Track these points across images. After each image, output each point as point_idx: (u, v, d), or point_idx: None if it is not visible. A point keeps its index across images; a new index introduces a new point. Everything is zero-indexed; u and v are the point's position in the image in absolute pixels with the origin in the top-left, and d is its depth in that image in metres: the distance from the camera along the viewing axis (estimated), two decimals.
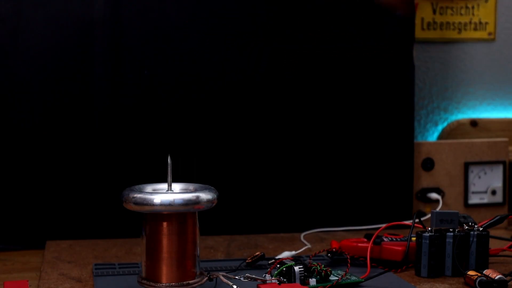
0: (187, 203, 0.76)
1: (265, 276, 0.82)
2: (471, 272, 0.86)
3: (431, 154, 1.23)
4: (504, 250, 0.98)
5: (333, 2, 1.15)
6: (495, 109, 1.35)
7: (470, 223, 0.94)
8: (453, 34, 1.32)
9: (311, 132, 1.16)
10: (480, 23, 1.33)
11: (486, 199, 1.26)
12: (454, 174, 1.24)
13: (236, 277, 0.79)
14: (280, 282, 0.80)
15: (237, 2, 1.12)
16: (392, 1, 1.13)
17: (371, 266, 0.89)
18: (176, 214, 0.77)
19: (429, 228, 0.91)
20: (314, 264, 0.84)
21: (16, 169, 1.08)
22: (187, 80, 1.12)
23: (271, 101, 1.15)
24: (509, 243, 0.99)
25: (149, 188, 0.80)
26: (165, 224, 0.77)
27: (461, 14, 1.32)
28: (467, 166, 1.24)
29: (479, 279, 0.84)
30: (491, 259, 0.95)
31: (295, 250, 1.01)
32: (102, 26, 1.09)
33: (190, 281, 0.78)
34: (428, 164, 1.23)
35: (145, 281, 0.78)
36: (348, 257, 0.89)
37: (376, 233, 0.94)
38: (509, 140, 1.28)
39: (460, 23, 1.32)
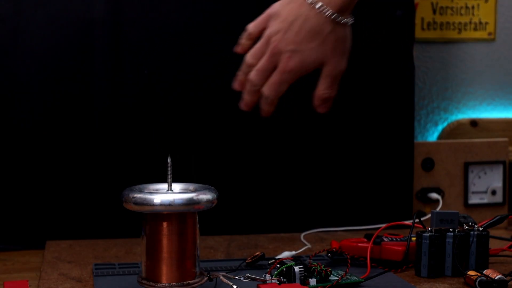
0: (187, 203, 0.76)
1: (265, 276, 0.82)
2: (471, 272, 0.86)
3: (431, 154, 1.23)
4: (504, 250, 0.98)
5: None
6: (495, 109, 1.35)
7: (470, 223, 0.93)
8: (453, 34, 1.32)
9: (311, 132, 1.16)
10: (480, 23, 1.33)
11: (486, 199, 1.26)
12: (454, 174, 1.24)
13: (236, 277, 0.79)
14: (280, 282, 0.80)
15: (237, 1, 1.12)
16: None
17: (371, 266, 0.89)
18: (176, 214, 0.77)
19: (429, 228, 0.91)
20: (314, 264, 0.84)
21: (16, 169, 1.08)
22: (186, 79, 1.12)
23: None
24: (509, 243, 0.99)
25: (149, 188, 0.80)
26: (165, 224, 0.77)
27: (461, 14, 1.32)
28: (467, 166, 1.24)
29: (479, 279, 0.84)
30: (491, 259, 0.95)
31: (295, 250, 1.01)
32: (102, 26, 1.09)
33: (190, 281, 0.78)
34: (428, 164, 1.23)
35: (145, 281, 0.78)
36: (348, 257, 0.89)
37: (376, 233, 0.94)
38: (509, 140, 1.28)
39: (460, 23, 1.32)
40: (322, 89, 0.91)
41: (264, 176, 1.15)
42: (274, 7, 0.90)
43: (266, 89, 0.89)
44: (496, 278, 0.84)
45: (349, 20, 0.89)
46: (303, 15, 0.87)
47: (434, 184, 1.24)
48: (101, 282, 0.86)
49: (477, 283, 0.84)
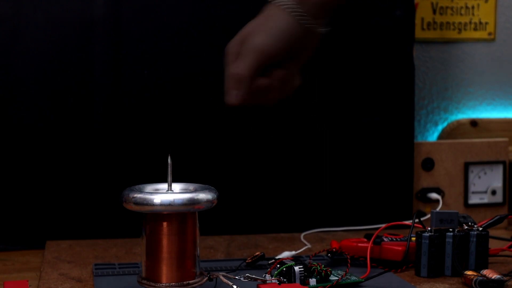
0: (187, 203, 0.76)
1: (265, 276, 0.82)
2: (469, 272, 0.86)
3: (431, 154, 1.23)
4: (504, 250, 0.98)
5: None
6: (495, 109, 1.35)
7: (470, 223, 0.94)
8: (453, 34, 1.32)
9: (311, 132, 1.16)
10: (480, 23, 1.33)
11: (486, 199, 1.26)
12: (454, 174, 1.24)
13: (236, 277, 0.79)
14: (280, 282, 0.80)
15: (237, 1, 1.12)
16: None
17: (371, 266, 0.89)
18: (176, 214, 0.77)
19: (429, 228, 0.91)
20: (314, 264, 0.84)
21: (16, 169, 1.08)
22: (187, 79, 1.12)
23: None
24: (509, 243, 0.99)
25: (149, 188, 0.80)
26: (165, 224, 0.77)
27: (461, 14, 1.32)
28: (467, 166, 1.24)
29: (477, 279, 0.84)
30: (491, 259, 0.95)
31: (295, 250, 1.01)
32: (102, 26, 1.09)
33: (190, 281, 0.78)
34: (428, 164, 1.23)
35: (145, 281, 0.78)
36: (348, 257, 0.89)
37: (376, 233, 0.94)
38: (509, 140, 1.28)
39: (460, 23, 1.32)
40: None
41: (264, 176, 1.15)
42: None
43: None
44: (494, 278, 0.84)
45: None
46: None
47: (434, 184, 1.24)
48: (101, 282, 0.86)
49: (477, 283, 0.84)
